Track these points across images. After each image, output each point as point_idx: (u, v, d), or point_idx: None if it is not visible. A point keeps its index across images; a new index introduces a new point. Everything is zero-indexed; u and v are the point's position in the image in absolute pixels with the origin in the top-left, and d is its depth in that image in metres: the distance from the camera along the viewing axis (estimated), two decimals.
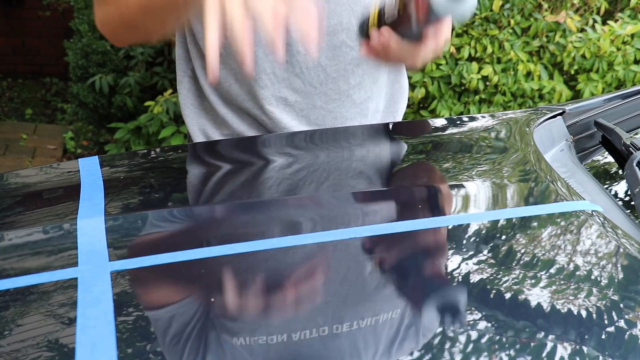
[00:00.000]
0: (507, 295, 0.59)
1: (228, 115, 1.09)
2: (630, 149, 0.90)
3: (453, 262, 0.64)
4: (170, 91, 3.04)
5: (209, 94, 1.10)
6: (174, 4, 0.91)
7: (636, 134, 1.04)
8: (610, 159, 1.01)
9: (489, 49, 2.83)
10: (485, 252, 0.66)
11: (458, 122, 1.08)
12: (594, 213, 0.73)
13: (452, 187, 0.81)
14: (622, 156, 0.93)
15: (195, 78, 1.13)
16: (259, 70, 1.05)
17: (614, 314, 0.56)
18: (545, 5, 2.94)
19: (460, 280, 0.62)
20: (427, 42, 0.90)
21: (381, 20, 0.92)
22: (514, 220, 0.72)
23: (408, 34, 0.90)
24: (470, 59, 2.88)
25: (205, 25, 0.77)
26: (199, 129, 1.13)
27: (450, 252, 0.66)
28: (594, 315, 0.56)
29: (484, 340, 0.53)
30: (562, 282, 0.61)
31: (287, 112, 1.07)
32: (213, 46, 0.75)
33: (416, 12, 0.86)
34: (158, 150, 1.01)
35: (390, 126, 1.05)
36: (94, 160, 0.90)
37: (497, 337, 0.54)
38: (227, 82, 1.07)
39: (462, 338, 0.53)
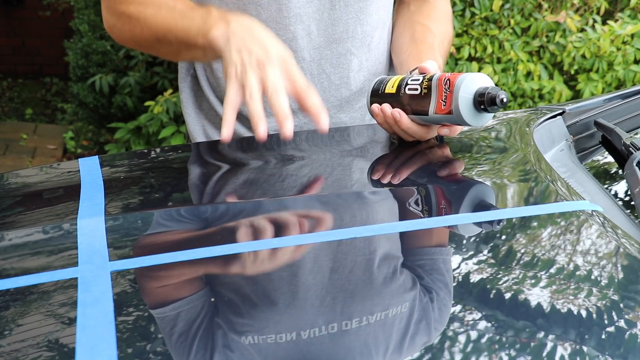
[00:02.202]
0: (507, 295, 0.59)
1: None
2: (630, 149, 0.90)
3: (453, 262, 0.64)
4: (170, 91, 3.03)
5: (209, 95, 1.10)
6: (191, 47, 0.93)
7: (636, 134, 1.04)
8: (610, 159, 1.01)
9: (489, 49, 2.83)
10: (485, 252, 0.66)
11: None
12: (594, 213, 0.73)
13: (452, 186, 0.81)
14: (622, 156, 0.93)
15: (196, 78, 1.13)
16: None
17: (614, 314, 0.56)
18: (545, 5, 2.94)
19: (460, 280, 0.62)
20: (439, 130, 0.89)
21: (400, 89, 0.91)
22: (514, 220, 0.72)
23: (421, 115, 0.88)
24: (470, 59, 2.88)
25: (226, 91, 0.85)
26: (200, 128, 1.13)
27: (451, 252, 0.66)
28: (594, 315, 0.56)
29: (483, 340, 0.53)
30: (562, 282, 0.61)
31: None
32: (230, 113, 0.83)
33: (437, 105, 0.85)
34: (158, 150, 1.01)
35: None
36: (94, 160, 0.90)
37: (497, 337, 0.54)
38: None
39: (462, 338, 0.53)
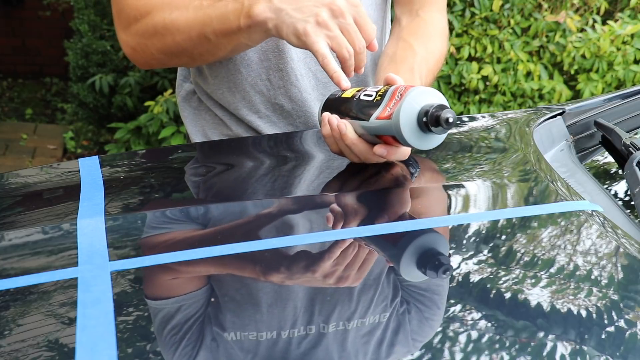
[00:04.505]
0: (507, 295, 0.59)
1: (225, 118, 1.10)
2: (630, 149, 0.90)
3: (453, 262, 0.65)
4: (170, 91, 3.04)
5: (206, 100, 1.11)
6: (232, 34, 0.90)
7: (636, 134, 1.04)
8: (610, 159, 1.01)
9: (489, 49, 2.83)
10: (485, 252, 0.66)
11: (458, 122, 1.08)
12: (594, 213, 0.73)
13: (452, 187, 0.81)
14: (622, 156, 0.93)
15: (192, 85, 1.14)
16: (254, 75, 1.04)
17: (614, 314, 0.56)
18: (545, 5, 2.94)
19: (460, 280, 0.62)
20: (376, 148, 0.82)
21: (356, 95, 0.85)
22: (514, 220, 0.72)
23: (362, 120, 0.81)
24: (470, 59, 2.88)
25: (314, 46, 0.84)
26: (198, 129, 1.13)
27: (451, 252, 0.66)
28: (594, 315, 0.56)
29: (484, 340, 0.53)
30: (562, 282, 0.61)
31: (284, 117, 1.08)
32: (334, 63, 0.84)
33: (382, 111, 0.79)
34: (158, 150, 1.01)
35: None
36: (94, 160, 0.90)
37: (497, 337, 0.54)
38: (220, 90, 1.07)
39: (462, 338, 0.53)
